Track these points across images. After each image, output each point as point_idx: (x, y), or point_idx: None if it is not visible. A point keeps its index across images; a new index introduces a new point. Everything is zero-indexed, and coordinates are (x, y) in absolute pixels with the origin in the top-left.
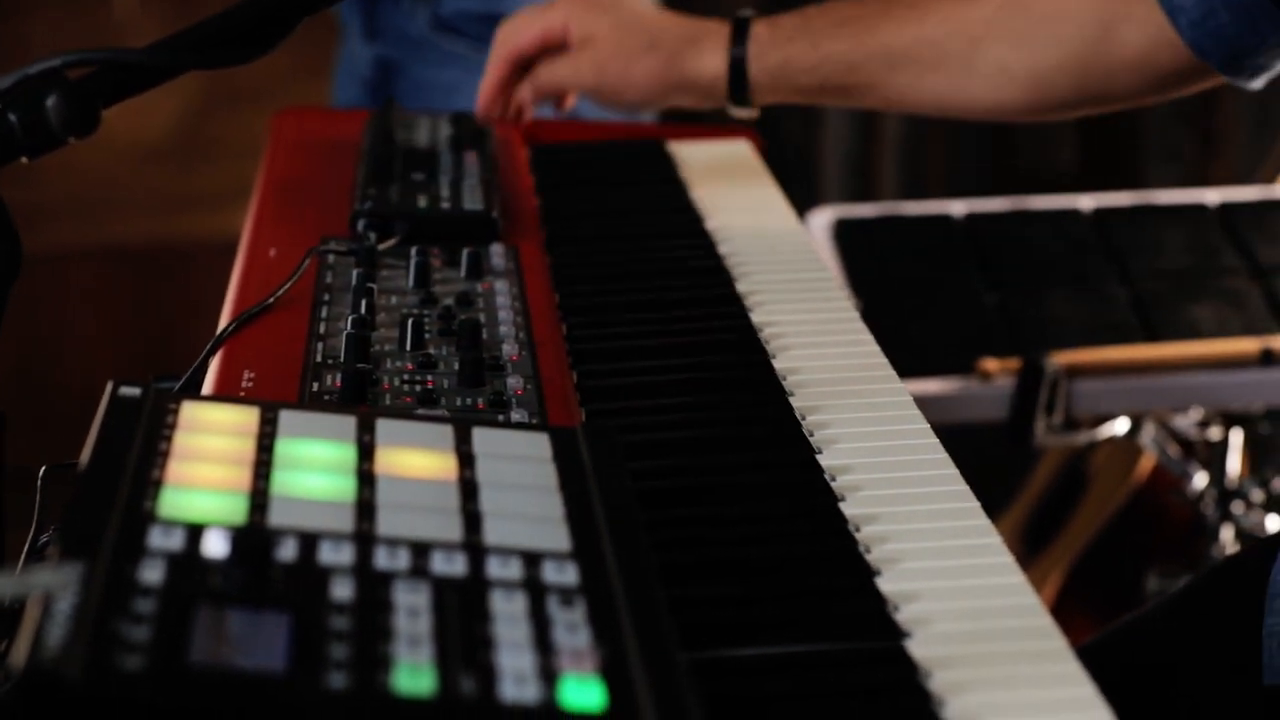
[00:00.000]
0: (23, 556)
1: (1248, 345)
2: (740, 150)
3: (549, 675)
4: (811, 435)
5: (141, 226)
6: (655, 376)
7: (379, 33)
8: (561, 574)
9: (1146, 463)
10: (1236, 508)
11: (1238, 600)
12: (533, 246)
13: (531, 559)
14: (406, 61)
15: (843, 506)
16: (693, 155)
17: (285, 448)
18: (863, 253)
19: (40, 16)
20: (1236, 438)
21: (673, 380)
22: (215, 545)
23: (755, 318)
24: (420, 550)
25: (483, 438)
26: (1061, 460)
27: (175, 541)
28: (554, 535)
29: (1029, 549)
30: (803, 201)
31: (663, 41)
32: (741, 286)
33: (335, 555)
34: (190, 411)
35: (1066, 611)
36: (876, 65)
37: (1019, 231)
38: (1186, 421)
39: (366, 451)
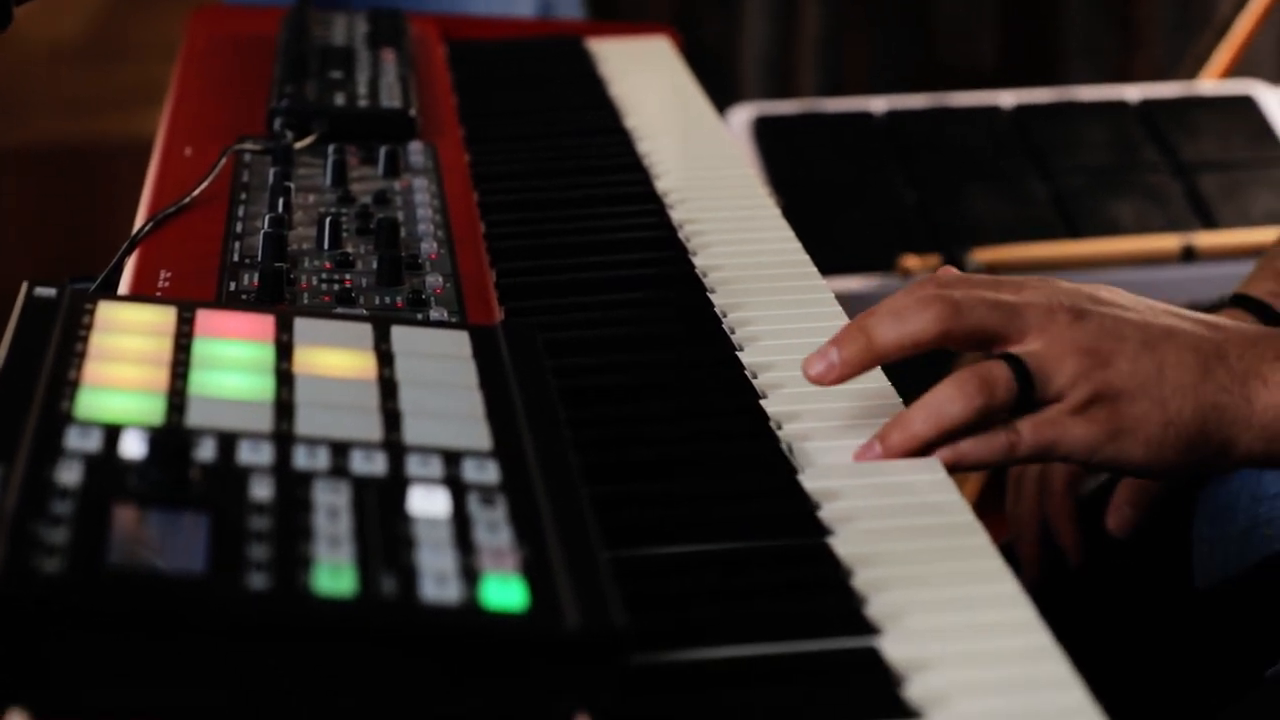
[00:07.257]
0: None
1: (1168, 242)
2: (659, 47)
3: (470, 574)
4: (733, 332)
5: (54, 127)
6: (575, 274)
7: None
8: (482, 472)
9: None
10: None
11: (1167, 500)
12: (451, 144)
13: (452, 458)
14: None
15: (764, 404)
16: (611, 52)
17: (203, 347)
18: (783, 150)
19: None
20: None
21: (592, 278)
22: (133, 446)
23: (675, 215)
24: (340, 449)
25: (402, 336)
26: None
27: (93, 442)
28: (474, 434)
29: None
30: (722, 99)
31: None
32: (661, 184)
33: (254, 455)
34: (106, 312)
35: (989, 508)
36: None
37: (939, 128)
38: None
39: (285, 351)
